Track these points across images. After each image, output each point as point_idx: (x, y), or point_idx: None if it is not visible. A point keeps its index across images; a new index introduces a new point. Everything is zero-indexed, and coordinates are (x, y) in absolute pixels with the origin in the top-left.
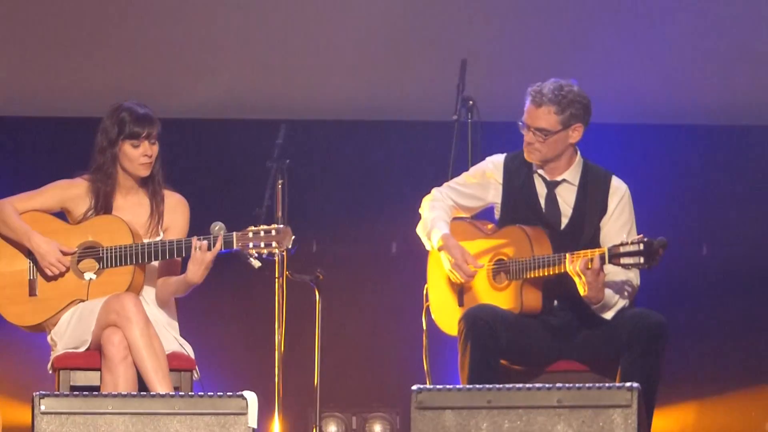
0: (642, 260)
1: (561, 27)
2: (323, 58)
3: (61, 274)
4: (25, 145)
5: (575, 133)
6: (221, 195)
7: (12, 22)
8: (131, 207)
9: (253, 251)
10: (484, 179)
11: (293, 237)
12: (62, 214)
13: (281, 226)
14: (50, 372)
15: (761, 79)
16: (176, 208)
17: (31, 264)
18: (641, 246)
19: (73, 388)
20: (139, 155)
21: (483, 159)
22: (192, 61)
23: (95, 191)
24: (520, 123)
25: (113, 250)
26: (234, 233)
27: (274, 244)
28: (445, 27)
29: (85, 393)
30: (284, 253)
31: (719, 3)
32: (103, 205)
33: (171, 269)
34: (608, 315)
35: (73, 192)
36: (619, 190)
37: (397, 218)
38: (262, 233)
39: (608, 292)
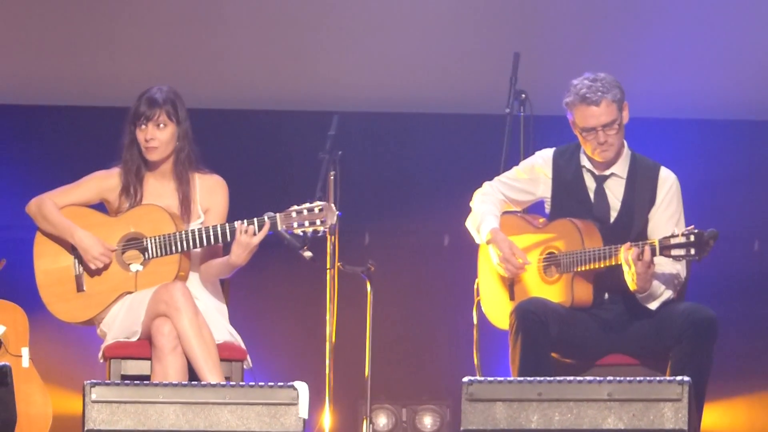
0: (693, 251)
1: (612, 22)
2: (377, 50)
3: (106, 268)
4: (62, 134)
5: (626, 113)
6: (274, 187)
7: (47, 11)
8: (167, 194)
9: (298, 230)
10: (534, 174)
11: (338, 213)
12: (101, 206)
13: (324, 203)
14: (101, 361)
15: None
16: (215, 189)
17: (76, 260)
18: (692, 237)
19: (124, 377)
20: (142, 138)
21: (534, 153)
22: (246, 51)
23: (125, 180)
24: (585, 132)
25: (157, 240)
26: (277, 214)
27: (318, 221)
28: (498, 20)
29: (135, 382)
30: (331, 232)
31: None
32: (135, 193)
33: (214, 252)
34: (653, 305)
35: (110, 182)
36: (667, 181)
37: (450, 211)
38: (305, 212)
39: (655, 282)
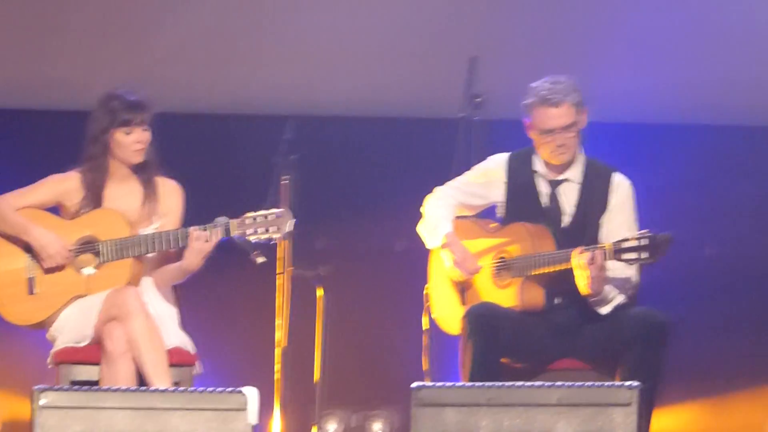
0: (647, 255)
1: (569, 25)
2: (331, 54)
3: (59, 269)
4: (17, 138)
5: (584, 118)
6: (227, 191)
7: (5, 13)
8: (124, 196)
9: (252, 238)
10: (487, 178)
11: (293, 221)
12: (56, 210)
13: (281, 209)
14: (50, 367)
15: (766, 79)
16: (171, 194)
17: (30, 261)
18: (646, 241)
19: (74, 383)
20: (131, 142)
21: (488, 157)
22: (199, 55)
23: (87, 182)
24: (545, 134)
25: (111, 244)
26: (232, 220)
27: (273, 228)
28: (454, 24)
29: (85, 387)
30: (285, 239)
31: (724, 2)
32: (95, 196)
33: (167, 256)
34: (605, 310)
35: (67, 185)
36: (620, 186)
37: (402, 216)
38: (260, 218)
39: (606, 287)
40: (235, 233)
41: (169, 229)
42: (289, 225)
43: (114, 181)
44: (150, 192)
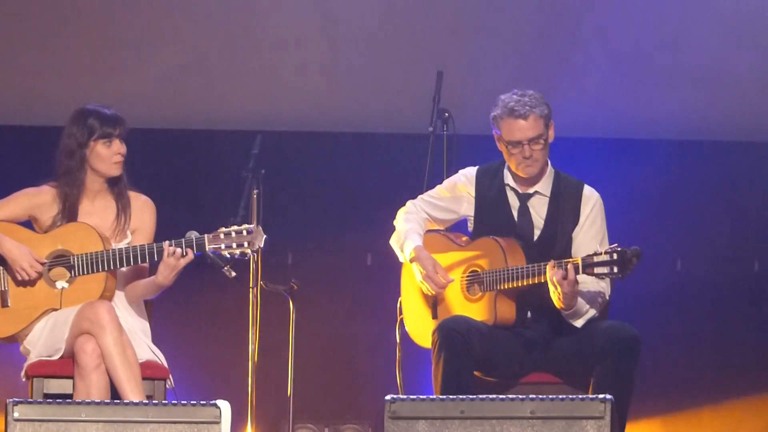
0: (616, 269)
1: (536, 41)
2: (299, 69)
3: (32, 282)
4: None
5: (551, 132)
6: (197, 205)
7: None
8: (98, 211)
9: (225, 252)
10: (457, 192)
11: (265, 237)
12: (29, 224)
13: (252, 225)
14: (24, 380)
15: (737, 96)
16: (143, 210)
17: (2, 274)
18: (615, 256)
19: (47, 396)
20: (112, 154)
21: (458, 171)
22: (168, 71)
23: (62, 197)
24: (510, 145)
25: (84, 258)
26: (205, 235)
27: (246, 244)
28: (421, 39)
29: (58, 400)
30: (257, 254)
31: (698, 20)
32: (70, 210)
33: (139, 272)
34: (578, 323)
35: (40, 199)
36: (590, 199)
37: (372, 230)
38: (233, 234)
39: (579, 300)
40: (208, 248)
41: (142, 243)
42: (261, 240)
43: (88, 195)
44: (123, 207)
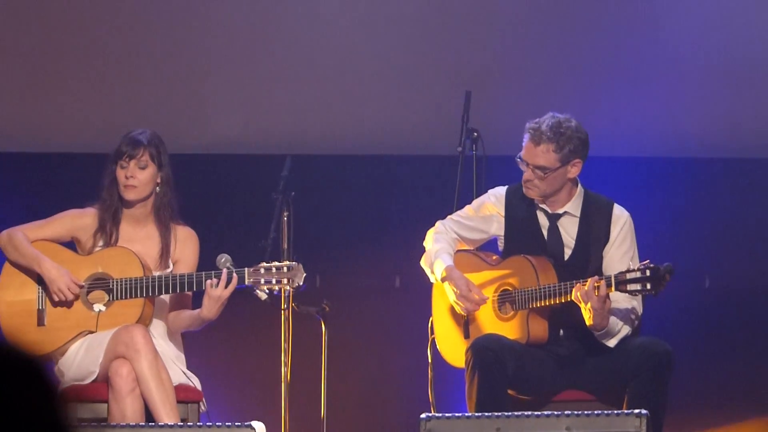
0: (649, 286)
1: (565, 60)
2: (328, 92)
3: (70, 303)
4: (37, 181)
5: (574, 169)
6: (227, 228)
7: (17, 58)
8: (141, 239)
9: (264, 287)
10: (487, 212)
11: (304, 274)
12: (72, 245)
13: (293, 263)
14: None
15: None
16: (186, 241)
17: (41, 293)
18: (648, 272)
19: (80, 421)
20: (123, 176)
21: (487, 191)
22: (197, 97)
23: (101, 219)
24: (518, 159)
25: (123, 282)
26: (246, 269)
27: (285, 280)
28: (449, 59)
29: (93, 424)
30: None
31: (724, 37)
32: (110, 234)
33: (182, 302)
34: (611, 342)
35: (83, 221)
36: (620, 218)
37: (401, 252)
38: (273, 269)
39: (612, 319)
40: (248, 282)
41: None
42: (301, 278)
43: (130, 222)
44: (165, 236)
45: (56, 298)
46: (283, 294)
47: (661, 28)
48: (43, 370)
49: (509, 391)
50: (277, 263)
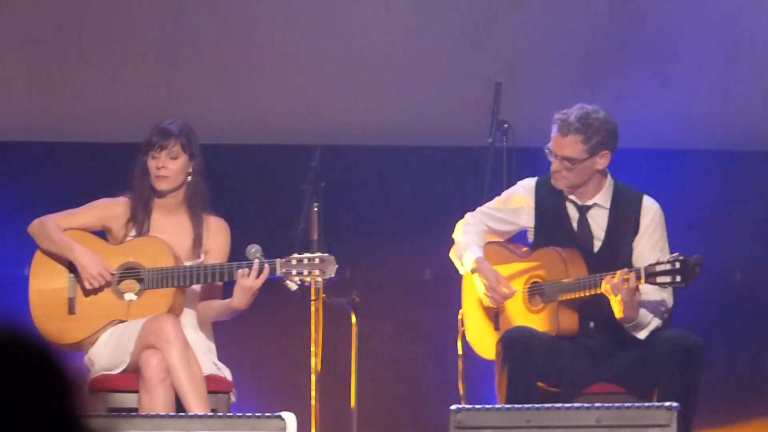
0: (679, 278)
1: (596, 51)
2: (358, 83)
3: (101, 289)
4: (68, 170)
5: (602, 160)
6: (257, 219)
7: (49, 48)
8: (172, 229)
9: (296, 278)
10: (516, 204)
11: (336, 266)
12: (103, 234)
13: (326, 254)
14: (87, 394)
15: None
16: (218, 232)
17: (72, 281)
18: (677, 264)
19: (110, 410)
20: (154, 167)
21: (517, 183)
22: (227, 87)
23: (133, 209)
24: (547, 150)
25: (155, 272)
26: (277, 260)
27: (317, 272)
28: (479, 51)
29: (123, 414)
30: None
31: (761, 26)
32: (141, 223)
33: (212, 292)
34: (642, 335)
35: (115, 211)
36: (650, 209)
37: (432, 244)
38: (305, 261)
39: (642, 311)
40: (279, 272)
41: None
42: (333, 270)
43: (160, 212)
44: (197, 226)
45: (88, 285)
46: (313, 285)
47: (695, 17)
48: (55, 359)
49: (539, 384)
50: (309, 255)
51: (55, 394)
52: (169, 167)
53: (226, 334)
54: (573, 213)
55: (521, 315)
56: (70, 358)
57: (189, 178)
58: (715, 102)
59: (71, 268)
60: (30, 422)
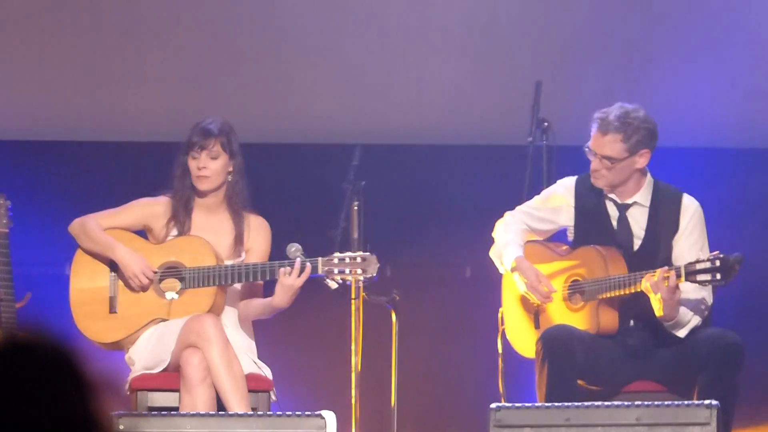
0: (719, 276)
1: (636, 50)
2: (398, 82)
3: (144, 288)
4: (109, 170)
5: (642, 159)
6: (297, 217)
7: (93, 48)
8: (213, 228)
9: (338, 277)
10: (556, 202)
11: (378, 265)
12: (143, 234)
13: (367, 254)
14: (127, 393)
15: None
16: (259, 230)
17: (113, 280)
18: (717, 262)
19: (151, 409)
20: (195, 167)
21: (556, 182)
22: (268, 86)
23: (174, 209)
24: (586, 149)
25: (196, 271)
26: (319, 258)
27: (359, 271)
28: (520, 49)
29: (163, 413)
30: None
31: None
32: (182, 223)
33: (253, 291)
34: (681, 333)
35: (155, 210)
36: (690, 208)
37: (471, 242)
38: (347, 260)
39: (682, 309)
40: (321, 271)
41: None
42: (374, 269)
43: (202, 210)
44: (239, 225)
45: (131, 284)
46: (354, 284)
47: (739, 16)
48: (72, 360)
49: (579, 382)
50: (350, 254)
51: (70, 394)
52: (210, 167)
53: (266, 333)
54: (613, 211)
55: (561, 313)
56: (107, 358)
57: (229, 177)
58: (755, 100)
59: (112, 267)
60: (45, 422)
